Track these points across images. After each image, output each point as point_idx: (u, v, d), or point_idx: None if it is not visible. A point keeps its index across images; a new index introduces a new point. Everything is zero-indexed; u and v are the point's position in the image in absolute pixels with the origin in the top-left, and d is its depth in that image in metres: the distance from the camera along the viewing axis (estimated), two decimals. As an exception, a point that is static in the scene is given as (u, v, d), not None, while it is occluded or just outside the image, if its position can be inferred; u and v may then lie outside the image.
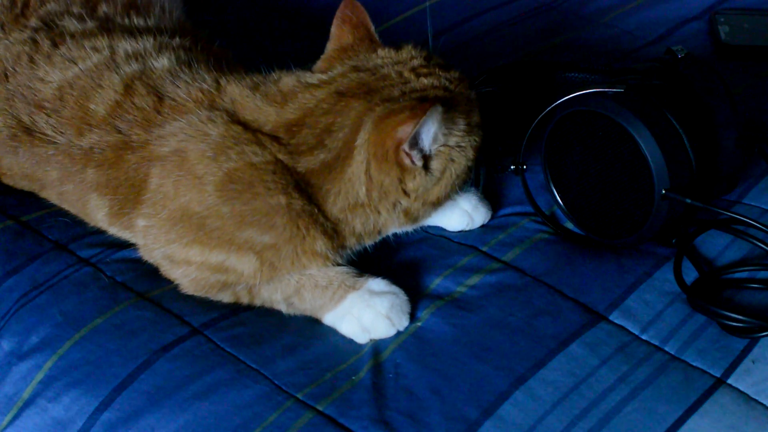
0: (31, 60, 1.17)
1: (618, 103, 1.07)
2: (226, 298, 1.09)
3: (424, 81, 1.07)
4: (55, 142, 1.12)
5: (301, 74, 1.09)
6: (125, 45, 1.16)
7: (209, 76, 1.12)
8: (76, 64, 1.15)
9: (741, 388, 0.99)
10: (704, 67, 1.13)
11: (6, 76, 1.18)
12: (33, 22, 1.22)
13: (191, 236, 1.05)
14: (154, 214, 1.07)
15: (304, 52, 1.17)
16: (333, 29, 1.12)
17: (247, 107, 1.06)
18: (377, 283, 1.06)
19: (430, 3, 1.62)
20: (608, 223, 1.12)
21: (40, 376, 1.03)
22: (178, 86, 1.10)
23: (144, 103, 1.10)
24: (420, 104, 1.01)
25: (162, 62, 1.14)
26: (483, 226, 1.18)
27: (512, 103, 1.30)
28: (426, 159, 1.05)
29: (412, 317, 1.06)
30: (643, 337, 1.04)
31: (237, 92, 1.08)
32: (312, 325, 1.06)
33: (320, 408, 0.97)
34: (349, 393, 0.98)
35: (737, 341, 1.03)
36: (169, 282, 1.10)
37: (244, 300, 1.08)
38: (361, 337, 1.04)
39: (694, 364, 1.01)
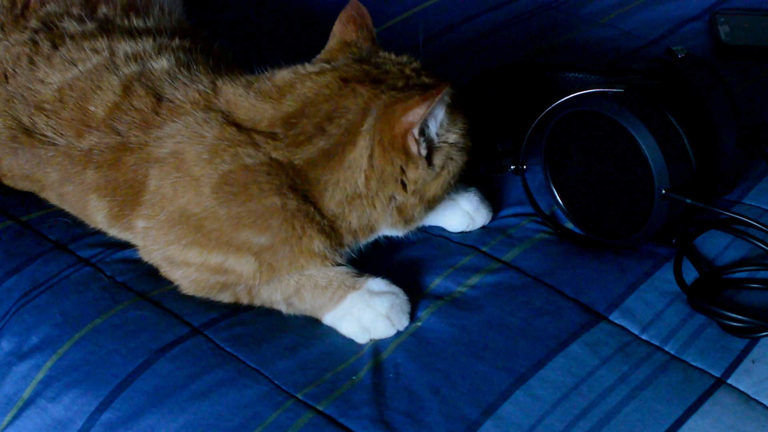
0: (31, 61, 1.17)
1: (618, 103, 1.07)
2: (226, 298, 1.09)
3: (425, 80, 1.07)
4: (54, 144, 1.13)
5: (298, 67, 1.09)
6: (125, 46, 1.17)
7: (206, 78, 1.12)
8: (75, 65, 1.15)
9: (741, 388, 0.98)
10: (704, 67, 1.13)
11: (6, 77, 1.18)
12: (33, 23, 1.22)
13: (190, 238, 1.05)
14: (153, 216, 1.07)
15: (304, 52, 1.17)
16: (336, 27, 1.13)
17: (242, 107, 1.06)
18: (377, 283, 1.06)
19: (430, 3, 1.62)
20: (608, 224, 1.12)
21: (40, 376, 1.03)
22: (176, 87, 1.10)
23: (142, 104, 1.10)
24: (431, 89, 1.01)
25: (161, 64, 1.14)
26: (483, 226, 1.18)
27: (512, 103, 1.30)
28: (429, 152, 1.06)
29: (412, 317, 1.06)
30: (643, 337, 1.04)
31: (231, 92, 1.08)
32: (312, 325, 1.06)
33: (320, 408, 0.97)
34: (349, 393, 0.98)
35: (737, 341, 1.03)
36: (169, 282, 1.10)
37: (244, 300, 1.08)
38: (361, 337, 1.04)
39: (694, 364, 1.01)
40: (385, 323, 1.03)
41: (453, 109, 1.06)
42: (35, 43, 1.19)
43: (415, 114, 1.01)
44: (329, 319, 1.06)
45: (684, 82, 1.12)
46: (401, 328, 1.04)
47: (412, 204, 1.07)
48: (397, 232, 1.11)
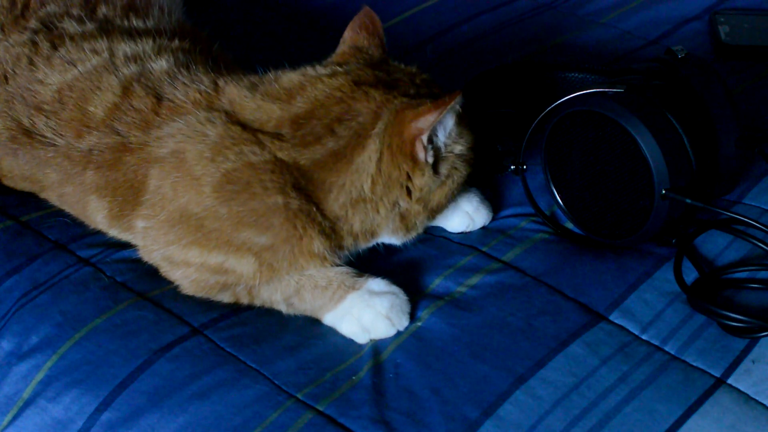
0: (31, 62, 1.17)
1: (618, 103, 1.07)
2: (226, 298, 1.09)
3: (435, 91, 1.09)
4: (54, 144, 1.13)
5: (307, 69, 1.09)
6: (124, 47, 1.17)
7: (207, 78, 1.12)
8: (75, 66, 1.15)
9: (741, 388, 0.98)
10: (704, 67, 1.13)
11: (6, 78, 1.18)
12: (33, 23, 1.22)
13: (190, 237, 1.05)
14: (153, 216, 1.07)
15: (304, 53, 1.17)
16: (348, 33, 1.13)
17: (247, 107, 1.06)
18: (377, 283, 1.06)
19: (430, 3, 1.62)
20: (608, 223, 1.12)
21: (40, 376, 1.03)
22: (176, 88, 1.10)
23: (142, 104, 1.10)
24: (443, 98, 1.02)
25: (160, 64, 1.14)
26: (483, 227, 1.18)
27: (512, 103, 1.30)
28: (436, 160, 1.06)
29: (412, 317, 1.06)
30: (643, 337, 1.04)
31: (235, 93, 1.08)
32: (312, 325, 1.06)
33: (320, 408, 0.97)
34: (349, 393, 0.98)
35: (737, 341, 1.03)
36: (169, 282, 1.10)
37: (244, 300, 1.08)
38: (361, 337, 1.04)
39: (694, 364, 1.01)
40: (385, 323, 1.03)
41: (461, 121, 1.07)
42: (35, 43, 1.19)
43: (426, 120, 1.01)
44: (329, 319, 1.06)
45: (684, 82, 1.12)
46: (401, 328, 1.04)
47: (415, 211, 1.08)
48: (397, 239, 1.11)
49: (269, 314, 1.07)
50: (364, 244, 1.10)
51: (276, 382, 0.99)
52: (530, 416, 0.95)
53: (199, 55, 1.19)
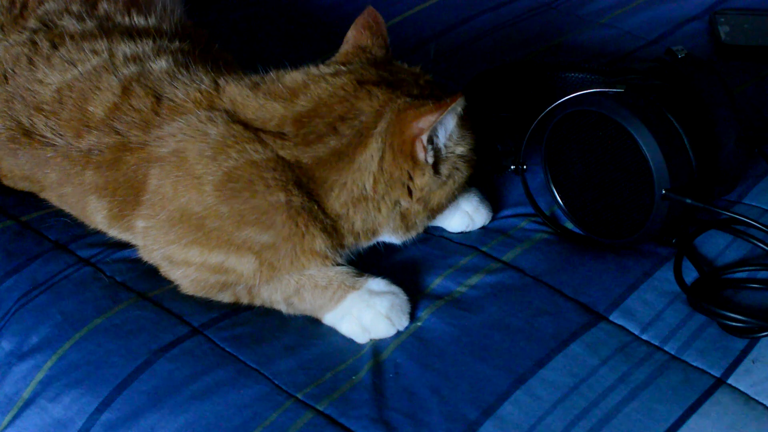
0: (30, 62, 1.17)
1: (618, 103, 1.07)
2: (226, 298, 1.09)
3: (438, 92, 1.09)
4: (54, 144, 1.12)
5: (311, 68, 1.09)
6: (124, 48, 1.16)
7: (207, 77, 1.12)
8: (75, 66, 1.15)
9: (741, 388, 0.99)
10: (704, 67, 1.13)
11: (5, 78, 1.17)
12: (32, 23, 1.22)
13: (190, 237, 1.05)
14: (153, 215, 1.07)
15: (304, 53, 1.17)
16: (351, 33, 1.13)
17: (249, 106, 1.06)
18: (377, 283, 1.06)
19: (430, 3, 1.62)
20: (608, 223, 1.12)
21: (40, 376, 1.03)
22: (176, 87, 1.10)
23: (142, 104, 1.10)
24: (444, 99, 1.02)
25: (160, 64, 1.14)
26: (483, 227, 1.18)
27: (512, 104, 1.30)
28: (436, 161, 1.06)
29: (412, 317, 1.06)
30: (643, 337, 1.04)
31: (237, 92, 1.08)
32: (312, 325, 1.06)
33: (320, 408, 0.97)
34: (349, 393, 0.98)
35: (737, 341, 1.03)
36: (169, 282, 1.10)
37: (244, 300, 1.08)
38: (361, 337, 1.04)
39: (694, 364, 1.01)
40: (385, 323, 1.03)
41: (463, 122, 1.07)
42: (34, 43, 1.19)
43: (427, 121, 1.02)
44: (329, 319, 1.06)
45: (684, 82, 1.12)
46: (401, 328, 1.04)
47: (415, 211, 1.08)
48: (397, 238, 1.11)
49: (269, 314, 1.07)
50: (365, 243, 1.10)
51: (276, 382, 0.99)
52: (530, 416, 0.95)
53: (198, 55, 1.19)
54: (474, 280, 1.10)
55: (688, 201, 1.05)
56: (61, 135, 1.12)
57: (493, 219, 1.19)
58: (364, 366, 1.01)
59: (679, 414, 0.95)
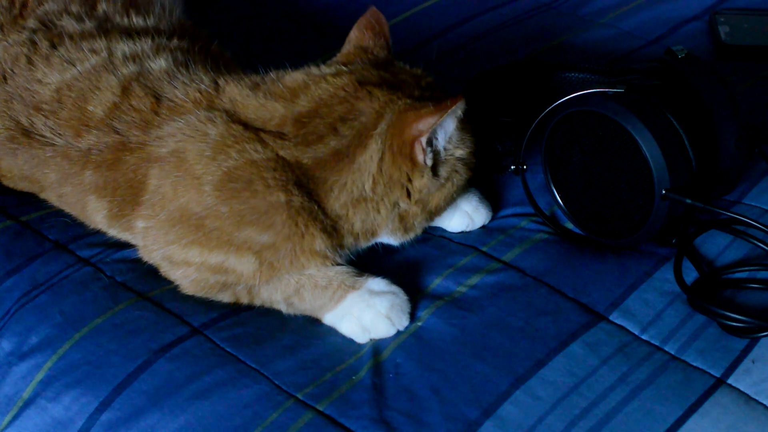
0: (30, 61, 1.17)
1: (618, 103, 1.07)
2: (226, 298, 1.09)
3: (439, 94, 1.09)
4: (53, 144, 1.12)
5: (311, 68, 1.09)
6: (123, 47, 1.16)
7: (207, 77, 1.12)
8: (74, 65, 1.15)
9: (741, 388, 0.98)
10: (704, 67, 1.13)
11: (5, 78, 1.17)
12: (31, 22, 1.22)
13: (190, 237, 1.05)
14: (153, 216, 1.07)
15: (304, 53, 1.17)
16: (354, 33, 1.13)
17: (249, 106, 1.06)
18: (377, 283, 1.06)
19: (430, 3, 1.62)
20: (608, 223, 1.12)
21: (40, 376, 1.03)
22: (175, 87, 1.10)
23: (141, 104, 1.10)
24: (445, 101, 1.02)
25: (159, 64, 1.14)
26: (483, 226, 1.18)
27: (512, 104, 1.30)
28: (435, 163, 1.06)
29: (412, 317, 1.06)
30: (643, 337, 1.04)
31: (237, 92, 1.08)
32: (312, 325, 1.06)
33: (320, 408, 0.97)
34: (349, 393, 0.98)
35: (737, 341, 1.03)
36: (169, 282, 1.10)
37: (244, 300, 1.08)
38: (361, 337, 1.04)
39: (694, 364, 1.01)
40: (385, 323, 1.03)
41: (463, 125, 1.07)
42: (33, 43, 1.19)
43: (426, 123, 1.02)
44: (329, 319, 1.06)
45: (684, 82, 1.12)
46: (401, 328, 1.04)
47: (414, 212, 1.08)
48: (395, 240, 1.11)
49: (269, 314, 1.07)
50: (364, 244, 1.10)
51: (276, 382, 0.99)
52: (530, 416, 0.95)
53: (198, 55, 1.19)
54: (474, 280, 1.10)
55: (688, 201, 1.05)
56: (60, 135, 1.12)
57: (493, 219, 1.19)
58: (364, 366, 1.01)
59: (679, 414, 0.95)
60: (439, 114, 1.01)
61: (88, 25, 1.21)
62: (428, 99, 1.06)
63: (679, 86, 1.12)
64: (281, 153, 1.04)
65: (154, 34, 1.20)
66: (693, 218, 1.15)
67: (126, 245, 1.14)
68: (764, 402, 0.97)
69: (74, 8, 1.23)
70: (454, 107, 1.02)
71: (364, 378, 1.00)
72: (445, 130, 1.06)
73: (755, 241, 1.11)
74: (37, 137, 1.13)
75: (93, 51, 1.16)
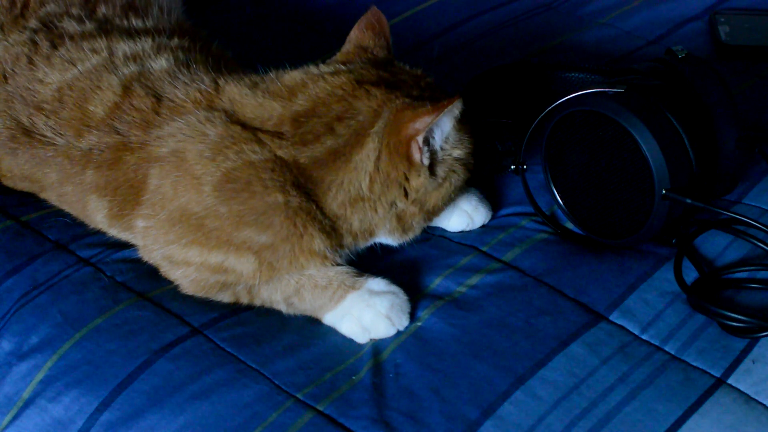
0: (31, 61, 1.17)
1: (618, 103, 1.07)
2: (226, 298, 1.09)
3: (438, 94, 1.08)
4: (54, 144, 1.13)
5: (310, 67, 1.09)
6: (123, 46, 1.17)
7: (207, 77, 1.12)
8: (75, 65, 1.15)
9: (741, 388, 0.98)
10: (704, 67, 1.13)
11: (5, 77, 1.18)
12: (32, 23, 1.22)
13: (190, 237, 1.05)
14: (153, 215, 1.07)
15: (304, 53, 1.17)
16: (354, 32, 1.13)
17: (248, 106, 1.06)
18: (377, 283, 1.06)
19: (430, 3, 1.62)
20: (608, 223, 1.12)
21: (40, 376, 1.03)
22: (176, 87, 1.11)
23: (142, 104, 1.10)
24: (442, 100, 1.02)
25: (160, 63, 1.14)
26: (483, 226, 1.18)
27: (512, 104, 1.30)
28: (432, 162, 1.06)
29: (412, 317, 1.06)
30: (643, 337, 1.04)
31: (236, 92, 1.08)
32: (312, 325, 1.06)
33: (320, 408, 0.97)
34: (349, 393, 0.98)
35: (737, 341, 1.03)
36: (169, 282, 1.10)
37: (244, 300, 1.08)
38: (361, 337, 1.04)
39: (694, 364, 1.01)
40: (385, 323, 1.03)
41: (461, 125, 1.07)
42: (34, 43, 1.19)
43: (423, 122, 1.02)
44: (329, 319, 1.06)
45: (684, 82, 1.12)
46: (401, 328, 1.04)
47: (411, 212, 1.08)
48: (394, 240, 1.11)
49: (269, 314, 1.07)
50: (363, 244, 1.10)
51: (276, 382, 0.99)
52: (530, 416, 0.95)
53: (198, 54, 1.19)
54: (474, 280, 1.10)
55: (688, 201, 1.05)
56: (61, 134, 1.12)
57: (493, 218, 1.19)
58: (364, 366, 1.01)
59: (679, 414, 0.95)
60: (436, 113, 1.01)
61: (89, 26, 1.21)
62: (427, 99, 1.06)
63: (679, 86, 1.12)
64: (279, 153, 1.04)
65: (154, 33, 1.20)
66: (693, 218, 1.15)
67: (126, 245, 1.14)
68: (764, 402, 0.97)
69: (75, 11, 1.24)
70: (450, 107, 1.02)
71: (364, 378, 1.00)
72: (441, 130, 1.06)
73: (755, 241, 1.11)
74: (38, 137, 1.13)
75: (94, 51, 1.16)
